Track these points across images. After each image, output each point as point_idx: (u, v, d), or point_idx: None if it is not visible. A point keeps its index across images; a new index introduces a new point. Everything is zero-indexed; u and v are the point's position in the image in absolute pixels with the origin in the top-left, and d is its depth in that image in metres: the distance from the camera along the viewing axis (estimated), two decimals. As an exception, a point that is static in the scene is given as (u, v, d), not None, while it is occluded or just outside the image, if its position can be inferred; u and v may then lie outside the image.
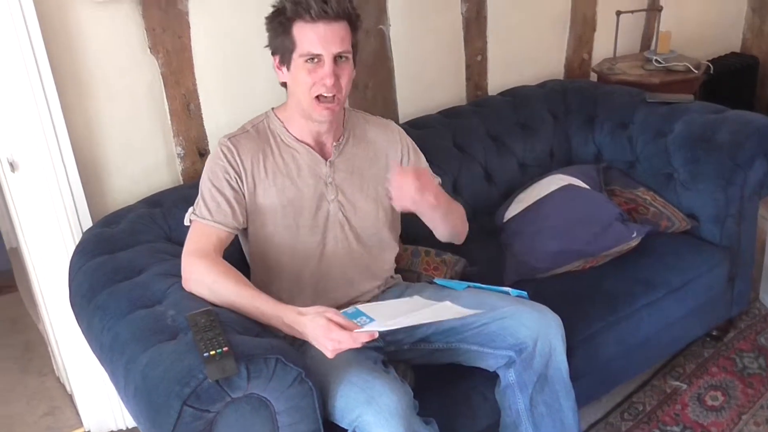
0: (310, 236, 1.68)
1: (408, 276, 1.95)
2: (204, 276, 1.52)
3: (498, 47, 2.70)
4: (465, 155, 2.38)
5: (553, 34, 2.89)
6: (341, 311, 1.43)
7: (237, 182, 1.63)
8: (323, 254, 1.70)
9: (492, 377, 1.69)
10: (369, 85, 2.43)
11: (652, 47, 3.06)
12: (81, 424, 2.26)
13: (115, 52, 1.94)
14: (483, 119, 2.47)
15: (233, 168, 1.63)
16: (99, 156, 2.00)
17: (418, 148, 1.86)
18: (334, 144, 1.71)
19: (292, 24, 1.54)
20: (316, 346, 1.41)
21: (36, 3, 1.75)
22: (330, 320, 1.38)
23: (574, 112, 2.60)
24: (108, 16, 1.90)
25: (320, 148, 1.70)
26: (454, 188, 2.34)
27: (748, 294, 2.41)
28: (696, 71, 2.84)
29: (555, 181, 2.27)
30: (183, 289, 1.54)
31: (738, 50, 3.59)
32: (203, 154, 2.13)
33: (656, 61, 2.87)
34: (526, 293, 1.73)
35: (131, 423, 2.19)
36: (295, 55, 1.56)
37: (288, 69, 1.59)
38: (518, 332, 1.60)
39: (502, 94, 2.66)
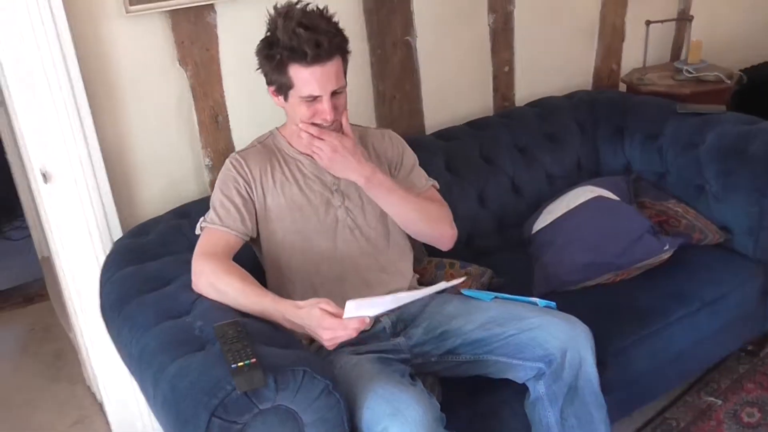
0: (321, 241, 1.71)
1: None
2: (210, 275, 1.55)
3: (525, 58, 2.69)
4: (492, 167, 2.37)
5: (581, 45, 2.86)
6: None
7: (246, 191, 1.68)
8: (335, 258, 1.72)
9: (521, 390, 1.67)
10: (396, 96, 2.43)
11: (683, 57, 3.02)
12: (110, 433, 2.28)
13: (145, 65, 1.97)
14: (510, 130, 2.46)
15: (242, 177, 1.69)
16: (129, 167, 2.02)
17: (413, 156, 1.88)
18: None
19: (288, 66, 1.58)
20: (316, 338, 1.45)
21: (69, 17, 1.78)
22: (323, 310, 1.41)
23: (602, 123, 2.57)
24: (138, 29, 1.93)
25: None
26: (480, 200, 2.33)
27: (784, 308, 2.35)
28: (728, 81, 2.80)
29: (584, 193, 2.24)
30: (210, 300, 1.55)
31: (771, 59, 3.53)
32: (231, 165, 2.15)
33: (687, 71, 2.83)
34: (554, 304, 1.71)
35: (159, 433, 2.20)
36: (293, 92, 1.61)
37: (286, 100, 1.65)
38: (547, 343, 1.58)
39: (529, 105, 2.65)
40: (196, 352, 1.39)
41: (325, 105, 1.60)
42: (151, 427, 2.21)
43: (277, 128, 1.80)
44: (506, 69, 2.67)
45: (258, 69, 1.66)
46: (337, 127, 1.66)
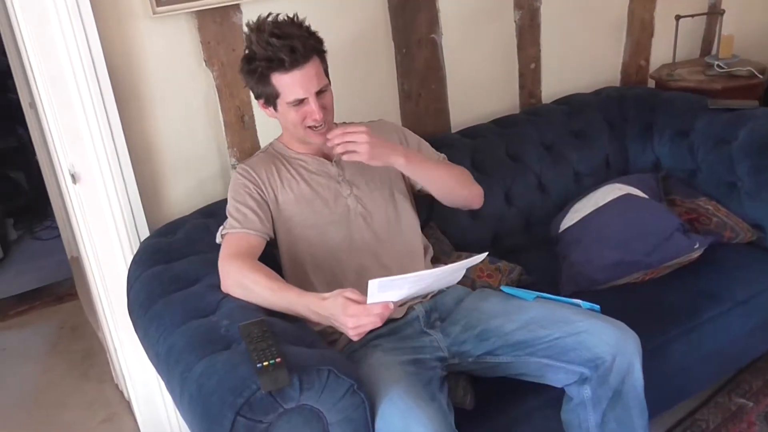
0: (335, 232, 1.74)
1: (462, 282, 1.92)
2: (237, 274, 1.57)
3: (552, 54, 2.66)
4: (518, 165, 2.35)
5: (609, 40, 2.83)
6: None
7: (258, 193, 1.73)
8: (352, 248, 1.74)
9: (556, 398, 1.64)
10: (421, 94, 2.42)
11: (714, 52, 2.97)
12: (138, 431, 2.30)
13: (171, 66, 1.98)
14: (537, 128, 2.44)
15: (252, 182, 1.75)
16: (156, 167, 2.04)
17: (411, 133, 1.96)
18: None
19: (270, 76, 1.64)
20: (341, 330, 1.45)
21: (97, 19, 1.80)
22: (347, 298, 1.41)
23: (631, 119, 2.53)
24: (165, 30, 1.94)
25: (324, 155, 1.82)
26: (506, 198, 2.31)
27: (818, 308, 2.30)
28: (760, 76, 2.74)
29: (612, 191, 2.21)
30: (236, 299, 1.56)
31: (805, 53, 3.45)
32: (257, 165, 2.16)
33: (718, 66, 2.78)
34: (598, 307, 1.67)
35: (187, 431, 2.21)
36: (280, 101, 1.67)
37: (275, 110, 1.71)
38: (596, 347, 1.55)
39: (556, 102, 2.62)
40: (222, 351, 1.39)
41: (312, 105, 1.65)
42: (179, 425, 2.23)
43: (275, 139, 1.87)
44: (533, 66, 2.65)
45: (245, 86, 1.74)
46: (328, 126, 1.71)
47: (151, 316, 1.60)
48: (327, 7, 2.14)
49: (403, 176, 1.88)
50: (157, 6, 1.87)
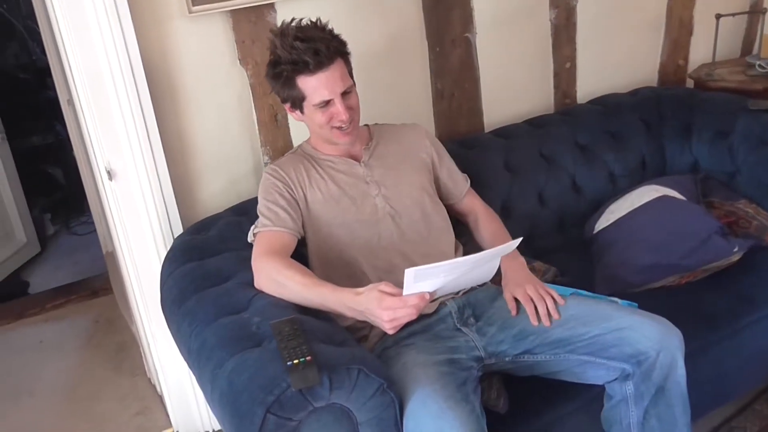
0: (363, 231, 1.75)
1: (494, 281, 1.91)
2: (271, 271, 1.58)
3: (588, 54, 2.63)
4: (552, 165, 2.32)
5: (646, 40, 2.78)
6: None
7: (288, 192, 1.75)
8: (381, 247, 1.75)
9: (589, 402, 1.62)
10: (455, 94, 2.40)
11: (755, 51, 2.90)
12: (170, 425, 2.32)
13: (206, 65, 2.00)
14: (571, 128, 2.41)
15: (281, 182, 1.76)
16: (190, 165, 2.06)
17: (442, 147, 1.99)
18: (364, 148, 1.84)
19: (295, 79, 1.66)
20: (376, 324, 1.45)
21: (134, 18, 1.82)
22: (382, 291, 1.41)
23: (668, 120, 2.49)
24: (200, 29, 1.96)
25: (352, 156, 1.83)
26: (540, 199, 2.29)
27: None
28: (803, 76, 2.67)
29: (649, 192, 2.17)
30: (267, 296, 1.57)
31: None
32: (289, 163, 2.16)
33: (759, 66, 2.71)
34: (636, 304, 1.65)
35: (218, 426, 2.24)
36: (306, 103, 1.69)
37: (302, 113, 1.73)
38: (639, 343, 1.53)
39: (591, 102, 2.59)
40: (254, 348, 1.40)
41: (338, 106, 1.67)
42: (210, 420, 2.25)
43: (304, 142, 1.88)
44: (568, 65, 2.61)
45: (271, 92, 1.77)
46: (355, 126, 1.73)
47: (183, 312, 1.62)
48: (360, 7, 2.14)
49: (431, 176, 1.91)
50: (193, 5, 1.89)
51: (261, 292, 1.59)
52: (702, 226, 2.02)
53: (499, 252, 1.49)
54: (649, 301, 1.89)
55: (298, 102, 1.70)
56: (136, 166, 1.93)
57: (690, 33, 2.84)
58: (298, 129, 2.15)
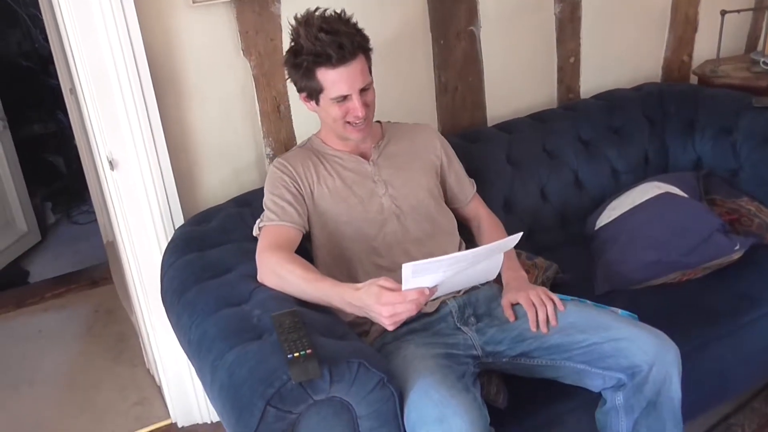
0: (369, 229, 1.74)
1: (497, 280, 1.91)
2: (274, 265, 1.57)
3: (592, 48, 2.62)
4: (554, 160, 2.32)
5: (651, 35, 2.77)
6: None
7: (295, 187, 1.74)
8: (385, 246, 1.74)
9: (589, 401, 1.62)
10: (458, 87, 2.39)
11: (759, 48, 2.89)
12: (168, 416, 2.33)
13: (209, 55, 1.99)
14: (574, 123, 2.40)
15: (289, 176, 1.75)
16: (192, 156, 2.05)
17: (452, 150, 1.97)
18: (374, 146, 1.83)
19: (315, 71, 1.64)
20: (375, 320, 1.43)
21: (138, 8, 1.81)
22: (381, 286, 1.40)
23: (672, 116, 2.48)
24: (204, 19, 1.95)
25: (361, 153, 1.82)
26: (542, 194, 2.28)
27: None
28: (808, 74, 2.66)
29: (651, 189, 2.17)
30: (268, 289, 1.56)
31: None
32: (292, 155, 2.16)
33: (764, 62, 2.71)
34: (636, 316, 1.65)
35: (216, 418, 2.24)
36: (323, 96, 1.68)
37: (317, 104, 1.72)
38: (634, 356, 1.53)
39: (595, 97, 2.58)
40: (254, 340, 1.40)
41: (355, 102, 1.66)
42: (208, 411, 2.25)
43: (313, 135, 1.87)
44: (572, 60, 2.60)
45: (287, 78, 1.74)
46: (368, 123, 1.72)
47: (183, 304, 1.62)
48: (365, -2, 2.13)
49: (438, 179, 1.90)
50: (197, -5, 1.88)
51: (262, 284, 1.59)
52: (704, 224, 2.01)
53: (498, 247, 1.48)
54: (650, 298, 1.91)
55: (315, 93, 1.68)
56: (138, 156, 1.92)
57: (695, 29, 2.82)
58: (301, 120, 2.14)
